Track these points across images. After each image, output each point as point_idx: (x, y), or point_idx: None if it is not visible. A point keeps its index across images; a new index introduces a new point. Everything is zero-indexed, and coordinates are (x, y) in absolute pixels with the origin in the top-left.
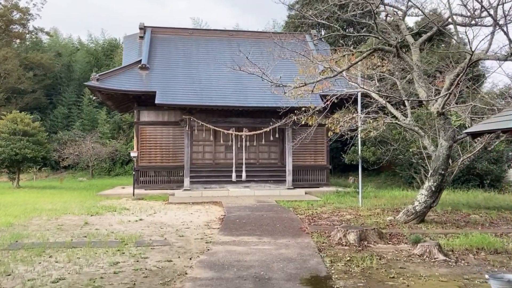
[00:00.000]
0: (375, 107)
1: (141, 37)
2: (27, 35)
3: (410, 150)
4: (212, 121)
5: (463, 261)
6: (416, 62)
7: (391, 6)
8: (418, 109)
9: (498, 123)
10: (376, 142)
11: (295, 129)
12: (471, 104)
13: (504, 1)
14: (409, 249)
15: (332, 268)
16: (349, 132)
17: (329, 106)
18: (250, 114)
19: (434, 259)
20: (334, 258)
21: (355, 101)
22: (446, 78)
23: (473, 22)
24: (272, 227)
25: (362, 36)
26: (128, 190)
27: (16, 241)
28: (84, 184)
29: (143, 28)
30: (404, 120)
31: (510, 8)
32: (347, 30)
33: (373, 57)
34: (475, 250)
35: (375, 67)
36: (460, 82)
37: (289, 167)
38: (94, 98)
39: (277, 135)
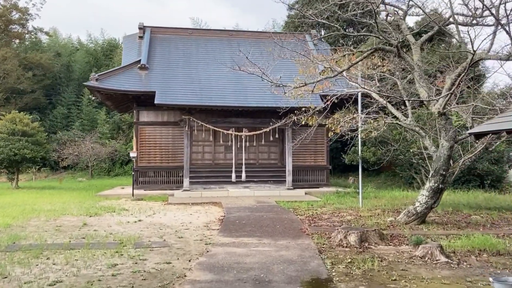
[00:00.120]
0: (375, 107)
1: (141, 37)
2: (27, 35)
3: (411, 150)
4: (212, 121)
5: (465, 263)
6: (417, 62)
7: (391, 5)
8: (418, 109)
9: (502, 123)
10: (377, 142)
11: (295, 129)
12: (473, 104)
13: (506, 0)
14: (411, 251)
15: (333, 270)
16: (349, 133)
17: (329, 106)
18: (250, 114)
19: (436, 261)
20: (335, 260)
21: (355, 101)
22: (447, 78)
23: (474, 21)
24: (272, 228)
25: (362, 36)
26: (127, 191)
27: (14, 243)
28: (83, 184)
29: (142, 28)
30: (405, 120)
31: None
32: (347, 30)
33: (373, 57)
34: (477, 252)
35: (375, 67)
36: (461, 82)
37: (289, 167)
38: (93, 98)
39: (277, 135)
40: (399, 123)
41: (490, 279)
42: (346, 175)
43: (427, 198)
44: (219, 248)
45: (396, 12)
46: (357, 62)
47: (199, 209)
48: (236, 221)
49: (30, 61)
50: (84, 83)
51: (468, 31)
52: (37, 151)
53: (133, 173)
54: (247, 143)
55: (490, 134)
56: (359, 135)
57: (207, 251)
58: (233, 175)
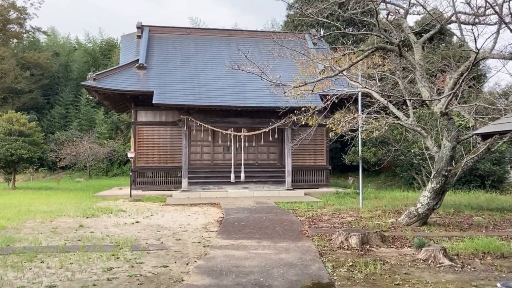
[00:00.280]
0: (376, 107)
1: (139, 37)
2: (24, 35)
3: (412, 150)
4: (211, 121)
5: (469, 266)
6: (418, 61)
7: (392, 4)
8: (420, 109)
9: (510, 124)
10: (377, 142)
11: (294, 129)
12: (476, 104)
13: None
14: (413, 254)
15: (335, 274)
16: (350, 133)
17: (329, 106)
18: (249, 114)
19: (440, 264)
20: (336, 263)
21: (355, 101)
22: (448, 78)
23: (476, 20)
24: (271, 230)
25: (362, 36)
26: (125, 191)
27: (8, 245)
28: (81, 185)
29: (140, 27)
30: (406, 120)
31: None
32: (346, 30)
33: (374, 56)
34: (481, 254)
35: (376, 67)
36: (463, 81)
37: (288, 167)
38: (91, 98)
39: (276, 136)
40: (401, 123)
41: (498, 284)
42: (346, 175)
43: (429, 199)
44: (217, 250)
45: (397, 11)
46: (358, 61)
47: (197, 210)
48: (235, 222)
49: (28, 60)
50: (82, 83)
51: (472, 29)
52: (34, 151)
53: (131, 173)
54: (246, 143)
55: (499, 135)
56: (360, 135)
57: (205, 254)
58: (232, 175)
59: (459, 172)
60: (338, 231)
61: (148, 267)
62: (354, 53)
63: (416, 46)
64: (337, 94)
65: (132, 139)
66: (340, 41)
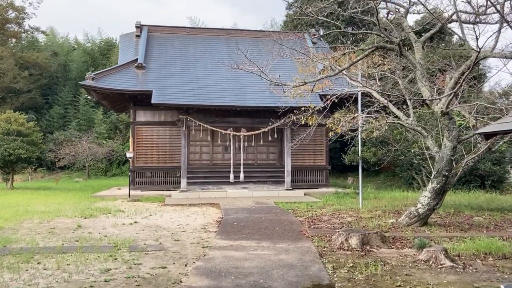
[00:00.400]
0: (376, 107)
1: (138, 36)
2: (23, 34)
3: (412, 150)
4: (210, 121)
5: (471, 267)
6: (419, 60)
7: (393, 2)
8: (420, 109)
9: None
10: (377, 142)
11: (294, 129)
12: (477, 104)
13: None
14: (414, 254)
15: (335, 275)
16: (349, 132)
17: (329, 105)
18: (248, 114)
19: (441, 265)
20: (336, 264)
21: (355, 101)
22: (448, 77)
23: (477, 19)
24: (271, 231)
25: (362, 35)
26: (124, 191)
27: (4, 246)
28: (80, 185)
29: (139, 27)
30: (407, 120)
31: None
32: (346, 30)
33: (373, 55)
34: (482, 255)
35: (376, 66)
36: (464, 81)
37: (287, 167)
38: (90, 98)
39: (275, 135)
40: (401, 122)
41: (501, 286)
42: (345, 175)
43: (429, 199)
44: (216, 251)
45: (397, 10)
46: (358, 61)
47: (196, 210)
48: (234, 223)
49: (27, 60)
50: (80, 82)
51: (474, 28)
52: (33, 151)
53: (129, 173)
54: (246, 143)
55: (503, 134)
56: (359, 135)
57: (204, 255)
58: (231, 175)
59: (459, 172)
60: (338, 231)
61: (146, 268)
62: (354, 52)
63: (417, 45)
64: (337, 94)
65: (131, 139)
66: (339, 40)
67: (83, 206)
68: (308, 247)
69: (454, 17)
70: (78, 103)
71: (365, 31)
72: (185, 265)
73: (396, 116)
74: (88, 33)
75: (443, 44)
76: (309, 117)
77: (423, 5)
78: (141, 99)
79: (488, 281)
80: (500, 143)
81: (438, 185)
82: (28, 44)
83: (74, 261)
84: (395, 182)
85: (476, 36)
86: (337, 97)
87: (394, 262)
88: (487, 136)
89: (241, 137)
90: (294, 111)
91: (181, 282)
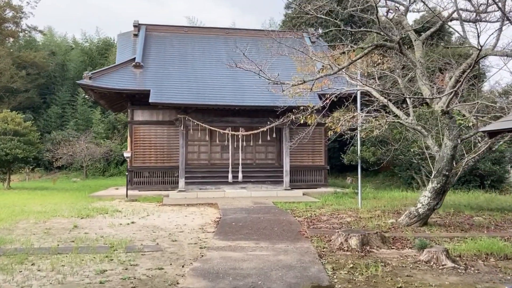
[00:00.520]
0: (376, 106)
1: (135, 35)
2: (20, 34)
3: (411, 150)
4: (208, 120)
5: (472, 268)
6: (419, 59)
7: (392, 0)
8: (419, 108)
9: None
10: (376, 142)
11: (292, 128)
12: (477, 102)
13: None
14: (415, 255)
15: (335, 276)
16: (349, 132)
17: (328, 105)
18: (246, 113)
19: (442, 266)
20: (336, 265)
21: (354, 100)
22: (447, 76)
23: (477, 17)
24: (269, 231)
25: (361, 35)
26: (121, 191)
27: None
28: (77, 185)
29: (137, 26)
30: (406, 119)
31: None
32: (344, 30)
33: (373, 54)
34: (484, 256)
35: (375, 65)
36: (464, 79)
37: (286, 167)
38: (87, 97)
39: (274, 135)
40: (401, 121)
41: (506, 287)
42: (344, 175)
43: (429, 199)
44: (214, 252)
45: (397, 8)
46: (358, 59)
47: (194, 210)
48: (233, 223)
49: (24, 59)
50: (78, 82)
51: (476, 26)
52: (30, 151)
53: (127, 173)
54: (244, 143)
55: (507, 132)
56: (358, 135)
57: (202, 256)
58: (230, 175)
59: (460, 171)
60: (338, 231)
61: (143, 269)
62: (354, 51)
63: (417, 44)
64: (336, 93)
65: (128, 139)
66: (339, 40)
67: (80, 206)
68: (307, 247)
69: (454, 15)
70: (76, 103)
71: (364, 29)
72: (182, 266)
73: (396, 115)
74: (86, 32)
75: (442, 44)
76: (308, 116)
77: (423, 2)
78: (139, 99)
79: (490, 282)
80: (501, 143)
81: (439, 185)
82: (25, 43)
83: (69, 262)
84: (394, 182)
85: (478, 33)
86: (336, 96)
87: (395, 262)
88: (491, 134)
89: (239, 136)
90: (293, 110)
91: (177, 283)
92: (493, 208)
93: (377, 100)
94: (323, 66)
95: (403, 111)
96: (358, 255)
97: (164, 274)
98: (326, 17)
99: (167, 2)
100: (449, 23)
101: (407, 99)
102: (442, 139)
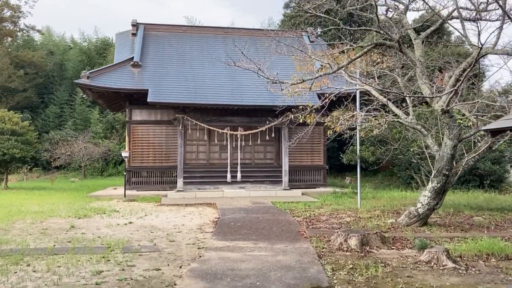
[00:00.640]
0: (375, 105)
1: (134, 34)
2: (18, 33)
3: (411, 149)
4: (207, 120)
5: (473, 269)
6: (419, 58)
7: None
8: (419, 107)
9: None
10: (375, 141)
11: (291, 128)
12: (478, 101)
13: None
14: (415, 255)
15: (334, 277)
16: (348, 131)
17: (327, 104)
18: (245, 113)
19: (443, 266)
20: (335, 266)
21: (353, 99)
22: (446, 76)
23: (477, 16)
24: (268, 231)
25: (360, 33)
26: (120, 191)
27: None
28: (75, 184)
29: (135, 25)
30: (406, 118)
31: None
32: (343, 29)
33: (372, 53)
34: (484, 256)
35: (374, 64)
36: (465, 78)
37: (285, 167)
38: (85, 97)
39: (273, 135)
40: (400, 121)
41: None
42: (343, 175)
43: (429, 199)
44: (212, 252)
45: (396, 7)
46: (357, 58)
47: (192, 210)
48: (231, 223)
49: (22, 59)
50: (75, 81)
51: (477, 24)
52: (27, 150)
53: (125, 173)
54: (243, 143)
55: (510, 131)
56: (358, 134)
57: (200, 256)
58: (228, 175)
59: (460, 171)
60: (337, 232)
61: (140, 270)
62: (353, 50)
63: (416, 42)
64: (335, 92)
65: (126, 138)
66: (337, 40)
67: (78, 206)
68: (306, 248)
69: (454, 13)
70: (74, 103)
71: (364, 28)
72: (180, 267)
73: (395, 115)
74: (85, 32)
75: (441, 43)
76: (307, 116)
77: (423, 1)
78: (137, 98)
79: (492, 283)
80: (500, 142)
81: (438, 185)
82: (23, 43)
83: (65, 263)
84: (393, 182)
85: (479, 31)
86: (335, 96)
87: (395, 263)
88: (493, 133)
89: (238, 136)
90: (292, 109)
91: (175, 284)
92: (492, 208)
93: (376, 99)
94: (322, 65)
95: (403, 110)
96: (357, 256)
97: (162, 275)
98: (325, 16)
99: (167, 2)
100: (449, 22)
101: (407, 98)
102: (442, 139)
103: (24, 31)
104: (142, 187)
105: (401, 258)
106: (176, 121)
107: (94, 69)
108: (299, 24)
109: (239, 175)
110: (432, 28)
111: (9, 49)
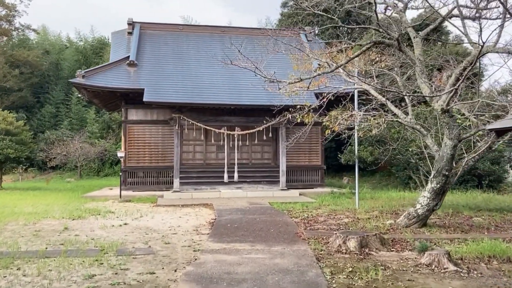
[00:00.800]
0: (374, 105)
1: (130, 33)
2: (14, 32)
3: (410, 149)
4: (203, 119)
5: (475, 272)
6: (418, 56)
7: None
8: (418, 107)
9: None
10: (374, 141)
11: (289, 128)
12: (478, 101)
13: None
14: (415, 258)
15: (333, 281)
16: (346, 131)
17: (325, 104)
18: (242, 112)
19: (444, 269)
20: (334, 269)
21: (352, 99)
22: (444, 75)
23: (477, 14)
24: (265, 233)
25: (359, 32)
26: (115, 192)
27: None
28: (71, 185)
29: (131, 24)
30: (405, 118)
31: None
32: (341, 28)
33: (371, 52)
34: (486, 259)
35: (373, 63)
36: (465, 77)
37: (282, 167)
38: (80, 96)
39: (270, 135)
40: (399, 120)
41: None
42: (340, 175)
43: (428, 199)
44: (208, 255)
45: (395, 5)
46: (356, 57)
47: (189, 211)
48: (228, 224)
49: (17, 58)
50: (70, 80)
51: (479, 21)
52: (22, 150)
53: (121, 173)
54: (240, 143)
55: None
56: (356, 134)
57: (195, 259)
58: (225, 175)
59: (459, 171)
60: (336, 233)
61: (133, 274)
62: (351, 48)
63: (416, 41)
64: (333, 92)
65: (122, 138)
66: (335, 39)
67: (72, 207)
68: (305, 250)
69: (455, 11)
70: (70, 102)
71: (362, 26)
72: (175, 271)
73: (394, 114)
74: (81, 31)
75: (442, 39)
76: (305, 115)
77: None
78: (133, 97)
79: (495, 287)
80: (500, 142)
81: (438, 185)
82: (19, 42)
83: (56, 266)
84: (390, 182)
85: (480, 28)
86: (333, 95)
87: (395, 266)
88: (499, 132)
89: (235, 136)
90: (290, 109)
91: None
92: (491, 208)
93: (375, 99)
94: (319, 64)
95: (402, 109)
96: (357, 258)
97: (156, 279)
98: (323, 13)
99: (166, 1)
100: (449, 20)
101: (406, 97)
102: (442, 138)
103: (20, 30)
104: (138, 187)
105: (401, 261)
106: (172, 121)
107: (90, 68)
108: (297, 23)
109: (236, 175)
110: (431, 27)
111: (4, 48)
